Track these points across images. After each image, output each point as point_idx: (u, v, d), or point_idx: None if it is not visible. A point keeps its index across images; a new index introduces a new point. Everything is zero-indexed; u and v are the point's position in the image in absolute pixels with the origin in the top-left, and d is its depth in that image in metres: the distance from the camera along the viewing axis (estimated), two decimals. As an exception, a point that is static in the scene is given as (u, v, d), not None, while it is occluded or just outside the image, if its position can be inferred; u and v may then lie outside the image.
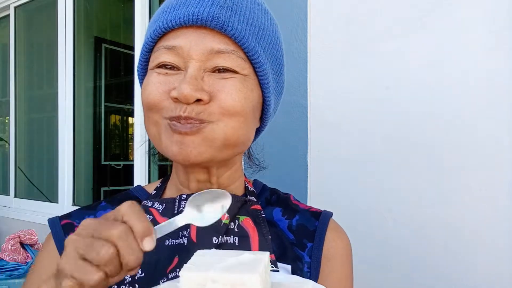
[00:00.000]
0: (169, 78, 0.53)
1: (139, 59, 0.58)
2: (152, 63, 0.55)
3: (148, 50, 0.56)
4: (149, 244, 0.38)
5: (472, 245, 1.01)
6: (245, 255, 0.37)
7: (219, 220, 0.55)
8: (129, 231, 0.38)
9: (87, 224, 0.39)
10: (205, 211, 0.44)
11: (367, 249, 1.15)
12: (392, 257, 1.12)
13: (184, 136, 0.51)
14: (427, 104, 1.08)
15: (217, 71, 0.52)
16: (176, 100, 0.51)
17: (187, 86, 0.49)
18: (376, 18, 1.17)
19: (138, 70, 0.59)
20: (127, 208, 0.40)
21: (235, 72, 0.52)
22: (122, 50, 3.52)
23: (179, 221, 0.43)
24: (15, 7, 3.03)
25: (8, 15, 3.08)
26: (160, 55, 0.53)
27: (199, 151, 0.51)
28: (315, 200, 1.27)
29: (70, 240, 0.38)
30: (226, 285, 0.34)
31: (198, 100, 0.50)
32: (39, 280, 0.56)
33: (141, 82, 0.59)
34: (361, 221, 1.17)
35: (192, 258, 0.38)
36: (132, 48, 2.27)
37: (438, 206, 1.06)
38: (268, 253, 0.37)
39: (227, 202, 0.46)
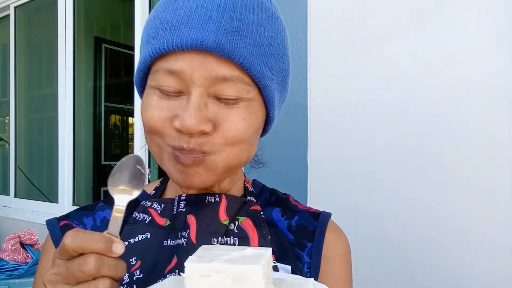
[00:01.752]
0: (170, 103, 0.50)
1: (136, 74, 0.55)
2: (152, 82, 0.52)
3: (146, 67, 0.53)
4: (118, 248, 0.39)
5: (472, 245, 1.01)
6: (248, 249, 0.38)
7: (219, 221, 0.56)
8: (100, 256, 0.39)
9: (54, 277, 0.40)
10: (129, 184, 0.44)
11: (367, 249, 1.15)
12: (392, 257, 1.12)
13: (187, 167, 0.50)
14: (427, 104, 1.08)
15: (221, 99, 0.50)
16: (179, 130, 0.49)
17: (191, 119, 0.47)
18: (376, 18, 1.17)
19: (135, 80, 0.57)
20: (73, 241, 0.39)
21: (239, 98, 0.50)
22: (122, 50, 3.52)
23: (118, 206, 0.44)
24: (15, 7, 3.03)
25: (8, 15, 3.08)
26: (161, 78, 0.50)
27: (202, 180, 0.52)
28: (315, 200, 1.27)
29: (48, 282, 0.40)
30: (230, 276, 0.34)
31: (202, 132, 0.49)
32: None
33: (140, 93, 0.58)
34: (361, 221, 1.17)
35: (197, 251, 0.39)
36: (132, 48, 2.27)
37: (438, 206, 1.06)
38: (270, 249, 0.38)
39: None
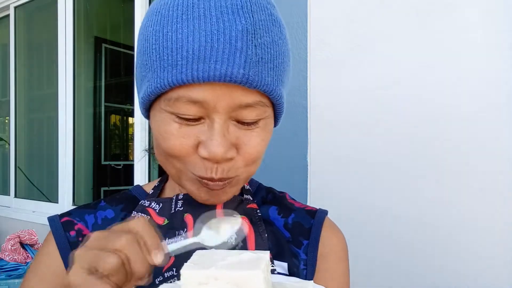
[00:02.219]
0: (191, 129, 0.49)
1: (148, 96, 0.51)
2: (169, 108, 0.49)
3: (161, 92, 0.49)
4: (158, 258, 0.38)
5: (472, 245, 1.01)
6: (245, 254, 0.37)
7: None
8: (136, 240, 0.38)
9: (94, 237, 0.39)
10: (215, 231, 0.44)
11: (367, 248, 1.15)
12: (392, 256, 1.12)
13: (214, 191, 0.52)
14: (427, 104, 1.08)
15: (241, 122, 0.50)
16: (205, 158, 0.49)
17: (219, 148, 0.47)
18: (376, 18, 1.17)
19: (144, 102, 0.52)
20: (136, 222, 0.39)
21: (259, 120, 0.51)
22: (122, 50, 3.52)
23: (189, 241, 0.43)
24: (15, 7, 3.03)
25: (8, 15, 3.08)
26: (181, 106, 0.48)
27: (226, 198, 0.55)
28: (315, 200, 1.27)
29: (77, 255, 0.38)
30: (229, 282, 0.33)
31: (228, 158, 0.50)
32: (39, 279, 0.57)
33: (144, 112, 0.55)
34: (361, 220, 1.17)
35: (192, 257, 0.37)
36: (132, 48, 2.27)
37: (438, 206, 1.06)
38: (268, 252, 0.37)
39: (237, 223, 0.46)
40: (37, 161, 3.16)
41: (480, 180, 1.01)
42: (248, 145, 0.51)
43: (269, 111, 0.52)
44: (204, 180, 0.51)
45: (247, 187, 0.64)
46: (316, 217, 0.63)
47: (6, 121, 3.29)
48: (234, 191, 0.55)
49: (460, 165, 1.03)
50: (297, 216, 0.63)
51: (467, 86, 1.03)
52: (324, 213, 0.64)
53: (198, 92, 0.47)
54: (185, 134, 0.49)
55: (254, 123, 0.51)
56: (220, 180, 0.51)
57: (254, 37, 0.47)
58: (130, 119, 3.61)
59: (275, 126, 0.58)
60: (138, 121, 2.12)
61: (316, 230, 0.61)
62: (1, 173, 3.41)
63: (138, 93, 0.55)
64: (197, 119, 0.49)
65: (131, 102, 2.28)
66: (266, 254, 0.37)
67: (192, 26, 0.46)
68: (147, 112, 0.55)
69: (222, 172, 0.50)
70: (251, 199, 0.62)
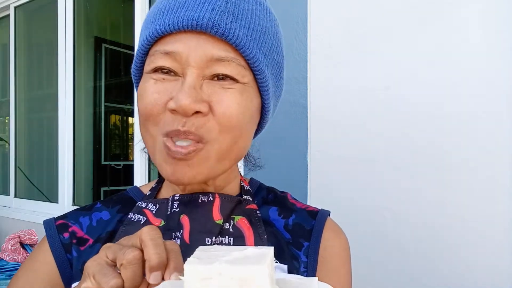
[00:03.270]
0: (166, 85, 0.50)
1: (134, 62, 0.55)
2: (147, 67, 0.52)
3: (144, 53, 0.53)
4: (154, 279, 0.38)
5: (472, 245, 1.01)
6: (249, 249, 0.36)
7: (213, 221, 0.55)
8: (140, 260, 0.39)
9: (104, 248, 0.41)
10: None
11: (367, 248, 1.15)
12: (392, 256, 1.12)
13: (177, 161, 0.49)
14: (427, 104, 1.08)
15: (216, 78, 0.50)
16: (174, 111, 0.49)
17: (186, 97, 0.47)
18: (376, 18, 1.17)
19: (133, 72, 0.57)
20: (146, 235, 0.39)
21: (235, 80, 0.50)
22: (122, 50, 3.52)
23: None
24: (15, 7, 3.03)
25: (8, 15, 3.08)
26: (157, 59, 0.50)
27: (192, 174, 0.51)
28: (315, 200, 1.27)
29: (86, 266, 0.40)
30: (233, 278, 0.32)
31: (197, 112, 0.48)
32: (30, 280, 0.57)
33: (136, 85, 0.57)
34: (361, 220, 1.17)
35: (195, 252, 0.37)
36: (132, 48, 2.27)
37: (439, 206, 1.06)
38: (272, 248, 0.36)
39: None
40: (37, 161, 3.16)
41: (480, 180, 1.01)
42: (221, 103, 0.50)
43: (249, 79, 0.52)
44: (168, 145, 0.49)
45: (247, 187, 0.63)
46: (318, 218, 0.62)
47: (6, 121, 3.29)
48: (202, 169, 0.51)
49: (460, 165, 1.03)
50: (298, 217, 0.62)
51: (467, 86, 1.03)
52: (325, 214, 0.63)
53: (171, 44, 0.50)
54: (159, 90, 0.50)
55: (230, 81, 0.50)
56: (187, 134, 0.48)
57: None
58: (130, 119, 3.61)
59: (265, 109, 0.57)
60: (138, 121, 2.11)
61: (317, 231, 0.60)
62: (1, 173, 3.41)
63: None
64: (173, 75, 0.50)
65: (131, 102, 2.28)
66: (270, 250, 0.36)
67: None
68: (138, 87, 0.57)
69: (191, 126, 0.48)
70: (251, 199, 0.61)
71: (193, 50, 0.49)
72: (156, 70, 0.51)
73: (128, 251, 0.38)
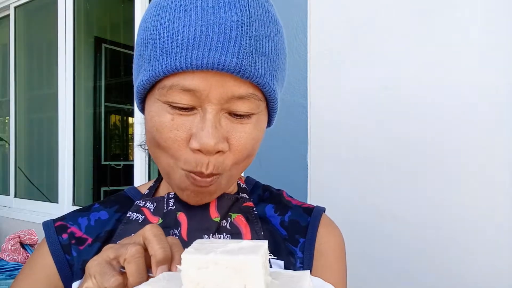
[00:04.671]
0: (184, 120, 0.49)
1: (143, 85, 0.51)
2: (162, 97, 0.49)
3: (155, 80, 0.50)
4: (161, 273, 0.39)
5: (473, 245, 1.01)
6: (244, 242, 0.38)
7: (210, 218, 0.57)
8: (142, 253, 0.40)
9: (105, 248, 0.42)
10: None
11: (366, 248, 1.15)
12: (391, 256, 1.12)
13: (200, 189, 0.52)
14: (427, 104, 1.08)
15: (233, 115, 0.50)
16: (196, 151, 0.49)
17: (210, 139, 0.47)
18: (376, 18, 1.17)
19: (138, 92, 0.53)
20: (149, 232, 0.41)
21: (251, 114, 0.51)
22: (122, 50, 3.52)
23: None
24: (15, 7, 3.03)
25: (8, 15, 3.08)
26: (174, 94, 0.48)
27: (209, 199, 0.55)
28: (315, 200, 1.27)
29: (86, 267, 0.41)
30: (228, 267, 0.33)
31: (219, 151, 0.49)
32: (30, 282, 0.57)
33: (139, 100, 0.55)
34: (361, 220, 1.17)
35: (192, 244, 0.38)
36: (132, 48, 2.27)
37: (439, 206, 1.06)
38: (266, 241, 0.37)
39: None
40: (37, 161, 3.16)
41: (480, 180, 1.01)
42: (239, 139, 0.51)
43: (262, 107, 0.52)
44: (192, 175, 0.50)
45: (243, 185, 0.64)
46: (313, 214, 0.63)
47: (6, 121, 3.29)
48: (218, 193, 0.55)
49: (460, 165, 1.03)
50: (293, 214, 0.63)
51: (467, 86, 1.03)
52: (321, 210, 0.64)
53: (192, 81, 0.47)
54: (178, 126, 0.49)
55: (246, 117, 0.51)
56: (209, 176, 0.51)
57: (249, 29, 0.48)
58: (130, 119, 3.61)
59: (269, 125, 0.58)
60: (138, 121, 2.11)
61: (312, 228, 0.61)
62: (1, 173, 3.41)
63: (134, 84, 0.55)
64: (190, 110, 0.49)
65: (131, 102, 2.28)
66: (265, 243, 0.37)
67: (189, 16, 0.47)
68: (142, 104, 0.55)
69: (212, 167, 0.50)
70: (247, 197, 0.62)
71: (214, 88, 0.48)
72: (172, 105, 0.49)
73: (131, 246, 0.40)
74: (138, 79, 0.53)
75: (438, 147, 1.06)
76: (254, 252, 0.34)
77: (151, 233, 0.41)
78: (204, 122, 0.48)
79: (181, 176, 0.51)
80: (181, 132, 0.49)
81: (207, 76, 0.47)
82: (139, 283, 0.39)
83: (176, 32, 0.48)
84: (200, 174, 0.50)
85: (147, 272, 0.40)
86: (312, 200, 1.27)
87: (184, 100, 0.48)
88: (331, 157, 1.24)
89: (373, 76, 1.17)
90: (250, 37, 0.47)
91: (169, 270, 0.39)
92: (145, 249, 0.41)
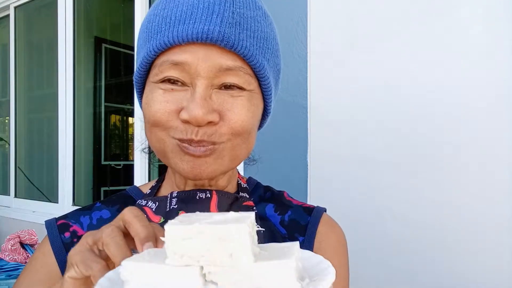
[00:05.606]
0: (175, 95, 0.51)
1: (138, 71, 0.55)
2: (155, 77, 0.52)
3: (149, 63, 0.53)
4: (143, 247, 0.38)
5: (472, 245, 1.01)
6: (231, 213, 0.36)
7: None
8: (119, 230, 0.39)
9: (84, 236, 0.41)
10: None
11: (366, 248, 1.15)
12: (391, 256, 1.12)
13: (197, 158, 0.51)
14: (427, 104, 1.08)
15: (224, 88, 0.52)
16: (186, 122, 0.50)
17: (199, 110, 0.48)
18: (376, 18, 1.17)
19: (135, 79, 0.57)
20: (128, 214, 0.40)
21: (242, 89, 0.52)
22: (122, 50, 3.52)
23: None
24: (15, 7, 3.03)
25: (8, 15, 3.08)
26: (165, 70, 0.51)
27: (210, 170, 0.53)
28: (315, 200, 1.27)
29: (69, 255, 0.40)
30: (214, 236, 0.32)
31: (209, 122, 0.50)
32: (32, 280, 0.57)
33: (138, 93, 0.58)
34: (361, 220, 1.17)
35: (177, 217, 0.36)
36: (132, 48, 2.27)
37: (438, 206, 1.06)
38: (253, 213, 0.36)
39: None
40: (37, 161, 3.16)
41: (480, 180, 1.01)
42: (232, 111, 0.51)
43: (254, 85, 0.54)
44: (184, 144, 0.51)
45: (244, 185, 0.65)
46: (313, 214, 0.63)
47: (6, 121, 3.29)
48: (218, 166, 0.53)
49: (460, 165, 1.03)
50: (293, 213, 0.63)
51: (467, 86, 1.03)
52: (321, 210, 0.64)
53: (180, 55, 0.50)
54: (169, 100, 0.51)
55: (237, 90, 0.52)
56: (200, 143, 0.50)
57: (232, 5, 0.51)
58: (130, 119, 3.61)
59: (266, 115, 0.59)
60: (138, 121, 2.11)
61: (312, 227, 0.61)
62: (1, 173, 3.41)
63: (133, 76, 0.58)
64: (181, 85, 0.51)
65: (131, 102, 2.28)
66: (251, 214, 0.36)
67: (177, 1, 0.52)
68: (140, 96, 0.57)
69: (203, 134, 0.50)
70: (247, 197, 0.62)
71: (202, 60, 0.50)
72: (164, 80, 0.52)
73: (105, 227, 0.39)
74: (135, 68, 0.56)
75: (438, 147, 1.06)
76: (240, 221, 0.33)
77: (131, 215, 0.40)
78: (194, 94, 0.50)
79: (174, 147, 0.52)
80: (171, 105, 0.51)
81: (194, 49, 0.50)
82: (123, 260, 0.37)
83: (166, 15, 0.52)
84: (190, 141, 0.50)
85: (132, 252, 0.38)
86: (312, 200, 1.27)
87: (175, 74, 0.50)
88: (331, 157, 1.24)
89: (373, 76, 1.17)
90: (233, 12, 0.51)
91: (155, 247, 0.38)
92: (127, 233, 0.40)
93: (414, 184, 1.10)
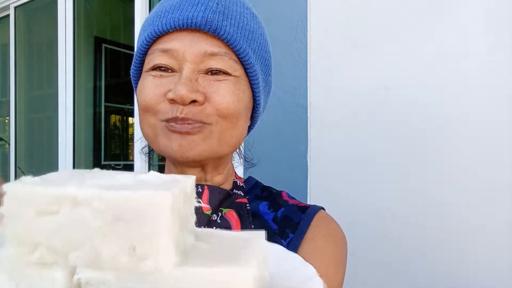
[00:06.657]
0: (164, 80, 0.55)
1: (134, 62, 0.60)
2: (147, 66, 0.56)
3: (143, 53, 0.58)
4: None
5: (472, 245, 1.01)
6: (149, 174, 0.23)
7: (201, 212, 0.57)
8: None
9: None
10: None
11: (366, 248, 1.15)
12: (391, 256, 1.12)
13: (184, 136, 0.53)
14: (427, 104, 1.08)
15: (210, 73, 0.54)
16: (172, 101, 0.53)
17: (183, 88, 0.51)
18: (376, 18, 1.17)
19: (132, 72, 0.61)
20: None
21: (227, 74, 0.55)
22: (122, 50, 3.51)
23: None
24: (15, 7, 3.03)
25: (8, 15, 3.08)
26: (155, 58, 0.55)
27: (198, 150, 0.54)
28: (315, 200, 1.26)
29: None
30: (103, 212, 0.18)
31: (194, 102, 0.53)
32: None
33: (135, 84, 0.62)
34: (361, 220, 1.17)
35: (48, 174, 0.23)
36: (132, 48, 2.27)
37: (439, 206, 1.06)
38: (194, 177, 0.25)
39: None
40: (37, 161, 3.16)
41: (480, 180, 1.01)
42: (217, 93, 0.54)
43: (240, 71, 0.56)
44: (171, 123, 0.53)
45: (241, 184, 0.65)
46: (307, 212, 0.62)
47: (6, 121, 3.29)
48: (206, 147, 0.54)
49: (460, 165, 1.03)
50: (287, 210, 0.63)
51: (467, 86, 1.03)
52: (316, 208, 0.64)
53: (169, 42, 0.54)
54: (158, 84, 0.55)
55: (222, 74, 0.55)
56: (186, 120, 0.52)
57: (219, 0, 0.56)
58: (130, 119, 3.61)
59: (257, 108, 0.60)
60: (138, 121, 2.11)
61: (304, 224, 0.61)
62: (1, 173, 3.40)
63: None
64: (170, 71, 0.55)
65: (131, 102, 2.28)
66: (191, 178, 0.23)
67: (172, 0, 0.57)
68: (136, 86, 0.60)
69: (188, 112, 0.52)
70: (242, 194, 0.62)
71: (188, 46, 0.54)
72: (155, 68, 0.55)
73: None
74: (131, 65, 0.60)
75: (438, 147, 1.06)
76: (162, 187, 0.19)
77: None
78: (180, 77, 0.53)
79: (162, 129, 0.54)
80: (160, 88, 0.54)
81: (181, 37, 0.54)
82: None
83: (158, 10, 0.57)
84: (176, 119, 0.52)
85: None
86: (312, 200, 1.27)
87: (163, 60, 0.54)
88: (331, 157, 1.24)
89: (373, 76, 1.17)
90: (217, 3, 0.55)
91: None
92: None
93: (414, 184, 1.09)
